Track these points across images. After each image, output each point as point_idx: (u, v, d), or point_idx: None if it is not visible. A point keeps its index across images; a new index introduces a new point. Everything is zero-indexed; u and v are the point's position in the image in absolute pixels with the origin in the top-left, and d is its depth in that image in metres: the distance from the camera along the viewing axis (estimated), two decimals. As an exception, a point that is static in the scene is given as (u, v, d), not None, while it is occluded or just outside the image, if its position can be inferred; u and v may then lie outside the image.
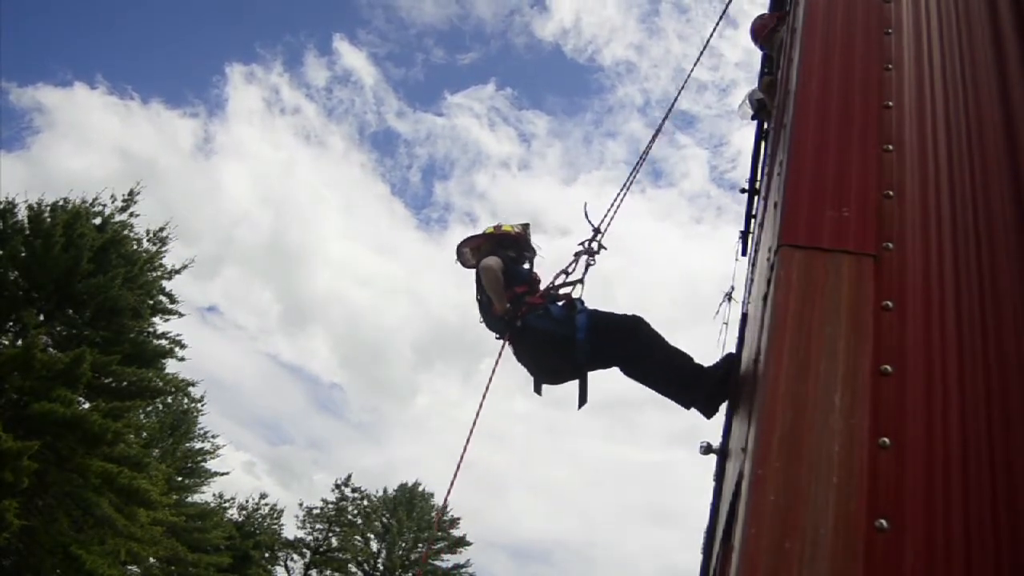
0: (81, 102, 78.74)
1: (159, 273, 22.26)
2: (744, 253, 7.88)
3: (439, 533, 37.77)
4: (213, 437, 30.92)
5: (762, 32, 5.68)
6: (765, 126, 6.68)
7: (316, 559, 37.38)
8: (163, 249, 22.48)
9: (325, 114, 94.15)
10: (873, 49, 2.22)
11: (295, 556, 37.35)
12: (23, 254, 19.60)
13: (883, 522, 1.29)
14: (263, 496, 36.57)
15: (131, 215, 22.07)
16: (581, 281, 4.28)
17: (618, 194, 5.01)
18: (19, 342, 18.72)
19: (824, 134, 2.00)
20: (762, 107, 6.02)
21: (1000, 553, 1.22)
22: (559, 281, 4.27)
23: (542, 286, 4.27)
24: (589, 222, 4.58)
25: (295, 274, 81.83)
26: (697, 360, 3.52)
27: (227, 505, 32.98)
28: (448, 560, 39.14)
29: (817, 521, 1.30)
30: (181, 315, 22.89)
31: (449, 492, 3.82)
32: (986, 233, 1.59)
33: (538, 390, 4.07)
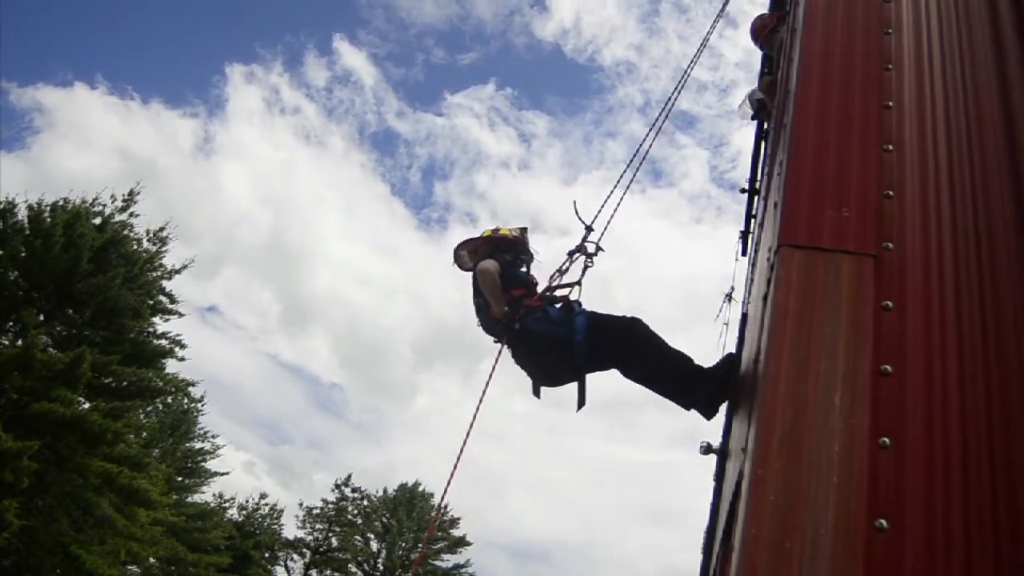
0: (81, 102, 78.94)
1: (159, 273, 22.27)
2: (744, 253, 7.88)
3: (439, 533, 37.72)
4: (213, 437, 31.00)
5: (762, 32, 5.68)
6: (765, 126, 6.68)
7: (316, 559, 37.40)
8: (163, 249, 22.51)
9: (325, 114, 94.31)
10: (873, 49, 2.21)
11: (295, 556, 37.43)
12: (23, 254, 19.61)
13: (883, 522, 1.29)
14: (263, 496, 36.68)
15: (131, 215, 22.13)
16: (579, 283, 4.26)
17: (611, 192, 4.98)
18: (19, 342, 18.73)
19: (824, 134, 2.00)
20: (762, 107, 6.02)
21: (1000, 553, 1.22)
22: (555, 282, 4.25)
23: (539, 289, 4.25)
24: (580, 220, 4.55)
25: (295, 274, 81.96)
26: (697, 361, 3.49)
27: (227, 505, 33.06)
28: (448, 560, 39.22)
29: (817, 521, 1.30)
30: (181, 315, 22.97)
31: (445, 492, 3.81)
32: (986, 233, 1.59)
33: (537, 393, 4.03)
